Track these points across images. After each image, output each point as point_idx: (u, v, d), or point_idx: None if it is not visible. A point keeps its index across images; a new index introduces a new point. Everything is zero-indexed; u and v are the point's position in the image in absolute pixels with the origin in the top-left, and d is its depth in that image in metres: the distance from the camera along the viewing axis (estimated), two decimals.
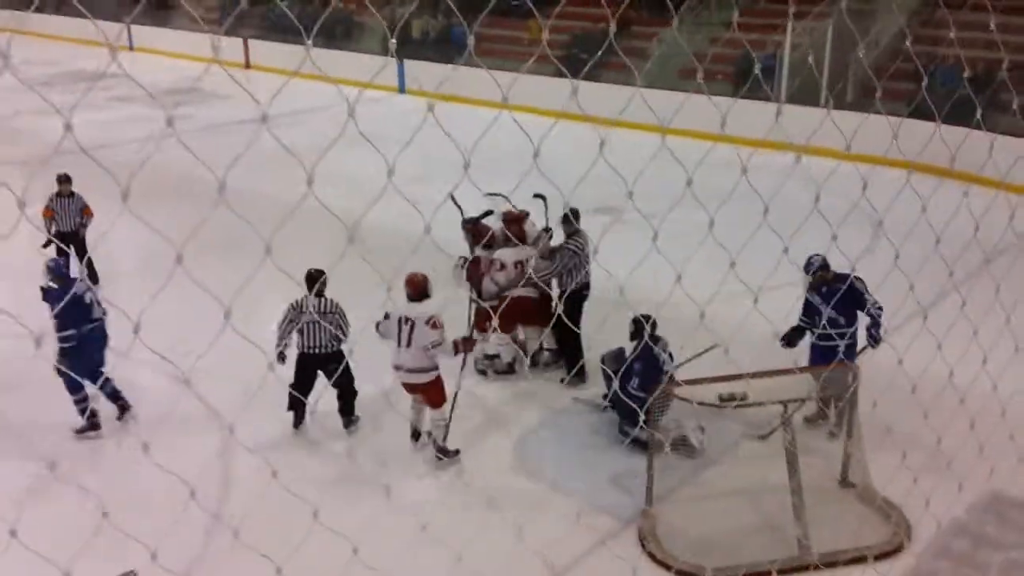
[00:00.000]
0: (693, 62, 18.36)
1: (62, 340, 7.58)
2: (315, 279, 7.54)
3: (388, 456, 7.79)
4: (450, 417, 7.76)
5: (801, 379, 6.84)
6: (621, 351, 8.05)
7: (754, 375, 5.75)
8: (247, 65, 26.66)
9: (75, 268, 9.96)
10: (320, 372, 7.87)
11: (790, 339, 7.75)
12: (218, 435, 7.72)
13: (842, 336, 7.39)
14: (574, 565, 6.41)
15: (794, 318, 7.96)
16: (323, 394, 7.89)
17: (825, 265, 7.60)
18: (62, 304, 7.41)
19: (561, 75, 16.69)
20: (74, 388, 7.87)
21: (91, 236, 11.26)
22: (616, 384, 7.68)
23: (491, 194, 8.05)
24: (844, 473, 7.28)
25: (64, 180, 10.93)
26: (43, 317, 6.90)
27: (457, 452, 7.77)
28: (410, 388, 7.67)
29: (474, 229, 9.11)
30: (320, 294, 7.79)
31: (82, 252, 11.29)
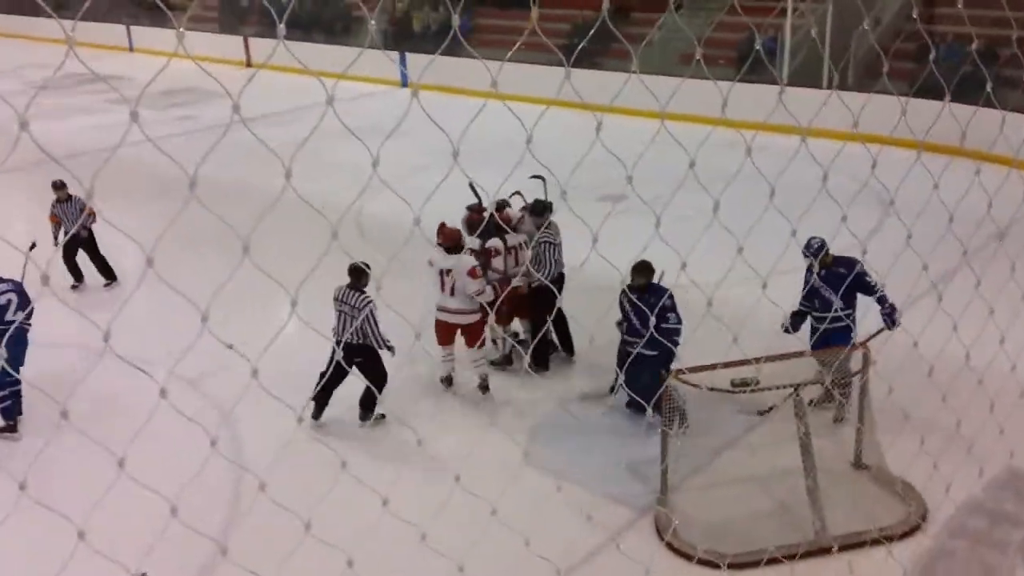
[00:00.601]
0: (693, 45, 18.21)
1: None
2: (353, 272, 7.71)
3: (385, 456, 7.70)
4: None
5: (809, 362, 6.75)
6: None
7: (765, 359, 5.66)
8: (248, 64, 26.57)
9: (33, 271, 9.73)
10: (354, 367, 7.83)
11: (792, 324, 7.66)
12: (205, 444, 7.66)
13: (838, 320, 7.32)
14: (588, 560, 6.34)
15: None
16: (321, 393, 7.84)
17: (824, 247, 7.50)
18: None
19: (561, 64, 16.54)
20: None
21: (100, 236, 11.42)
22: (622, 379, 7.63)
23: (535, 176, 8.06)
24: (858, 455, 7.20)
25: (59, 186, 11.19)
26: None
27: (486, 387, 8.57)
28: (449, 329, 8.49)
29: (497, 217, 8.94)
30: (355, 287, 7.81)
31: (94, 252, 11.43)
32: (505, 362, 9.24)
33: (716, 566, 6.19)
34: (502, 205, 9.23)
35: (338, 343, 7.82)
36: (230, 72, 23.83)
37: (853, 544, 6.14)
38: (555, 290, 8.43)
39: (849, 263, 7.49)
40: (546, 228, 8.68)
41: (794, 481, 6.56)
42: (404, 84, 23.52)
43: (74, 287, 11.47)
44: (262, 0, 27.18)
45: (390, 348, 7.82)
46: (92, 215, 11.05)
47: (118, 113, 20.18)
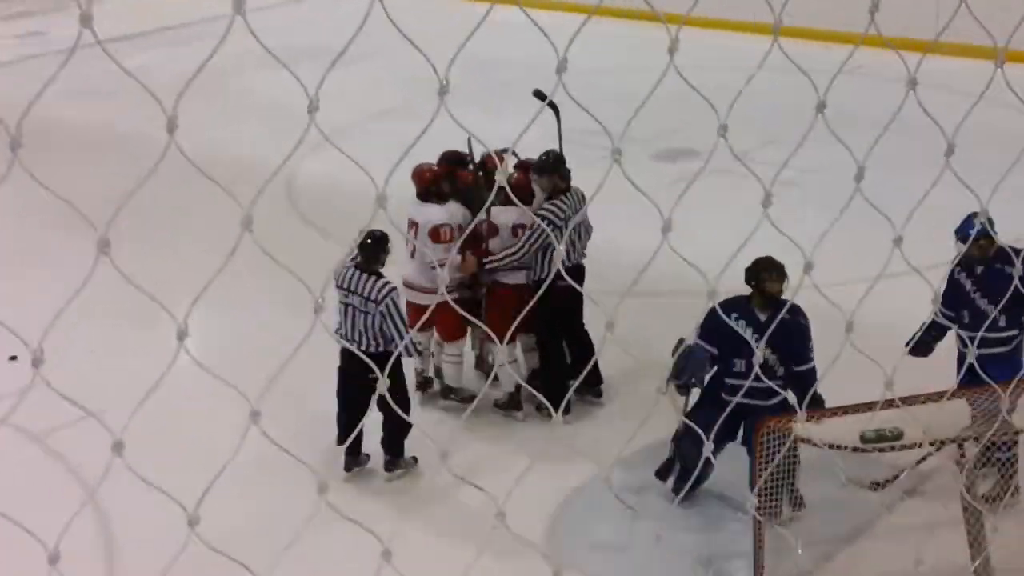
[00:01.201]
0: None
1: None
2: (369, 245, 7.77)
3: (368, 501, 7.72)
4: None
5: (959, 407, 6.66)
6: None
7: (912, 400, 5.61)
8: None
9: None
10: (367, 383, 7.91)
11: (923, 343, 7.46)
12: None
13: (1001, 343, 7.27)
14: None
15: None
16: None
17: (984, 232, 7.23)
18: None
19: None
20: None
21: None
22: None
23: (539, 95, 8.19)
24: None
25: None
26: None
27: (472, 397, 8.61)
28: (416, 310, 8.33)
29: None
30: (369, 269, 7.80)
31: None
32: (511, 405, 9.11)
33: None
34: (462, 157, 8.95)
35: (348, 350, 7.64)
36: None
37: None
38: (574, 287, 8.25)
39: (1007, 255, 7.26)
40: (559, 197, 8.58)
41: None
42: None
43: None
44: None
45: (420, 352, 7.96)
46: None
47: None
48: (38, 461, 8.26)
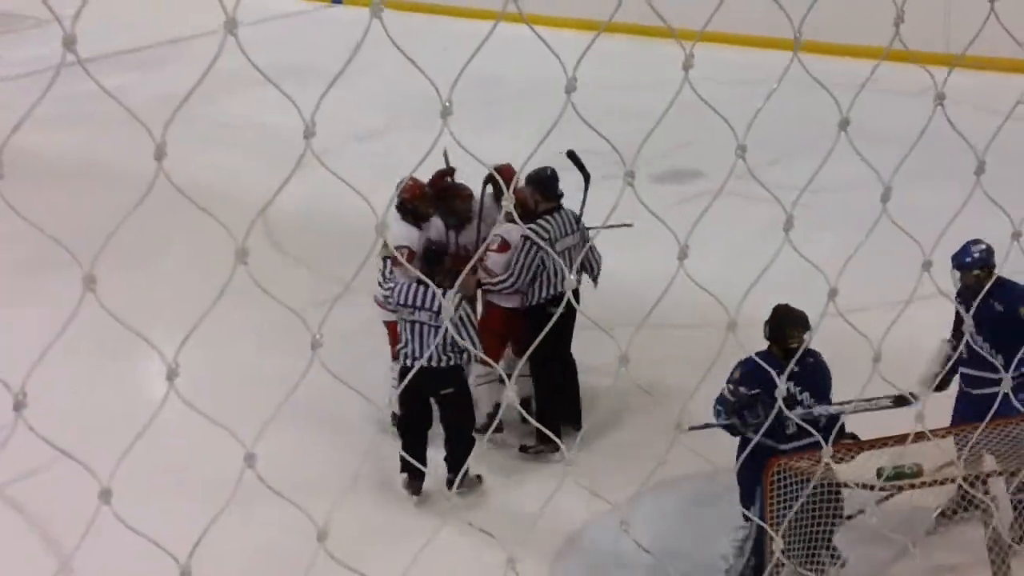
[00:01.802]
0: None
1: None
2: (432, 256, 8.10)
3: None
4: None
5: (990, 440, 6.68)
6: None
7: (930, 434, 5.57)
8: None
9: None
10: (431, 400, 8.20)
11: (945, 380, 7.42)
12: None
13: (998, 383, 7.21)
14: None
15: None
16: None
17: (982, 261, 7.20)
18: None
19: None
20: None
21: None
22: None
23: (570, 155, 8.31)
24: None
25: None
26: None
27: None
28: (392, 327, 8.62)
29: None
30: (436, 283, 7.83)
31: None
32: (491, 427, 9.05)
33: None
34: (448, 172, 9.02)
35: (412, 367, 7.79)
36: None
37: None
38: (566, 313, 8.20)
39: (1010, 293, 7.19)
40: (546, 216, 8.63)
41: None
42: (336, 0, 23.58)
43: None
44: None
45: (487, 361, 7.96)
46: None
47: None
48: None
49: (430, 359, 7.88)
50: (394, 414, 8.77)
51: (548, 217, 8.61)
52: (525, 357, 7.84)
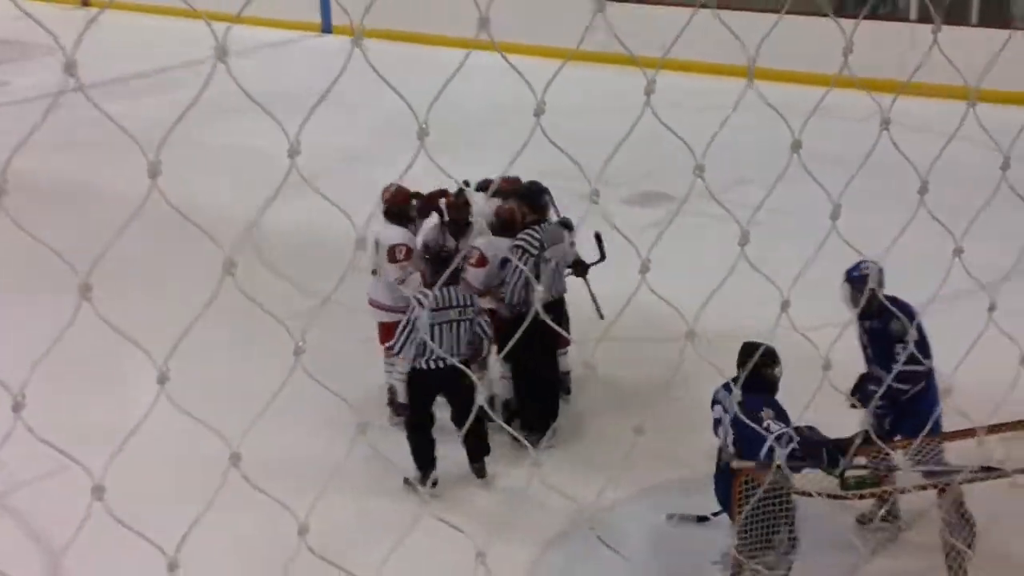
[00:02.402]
0: None
1: None
2: (451, 260, 8.41)
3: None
4: None
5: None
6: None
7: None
8: (85, 2, 26.66)
9: None
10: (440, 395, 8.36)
11: (865, 392, 7.40)
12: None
13: (899, 392, 7.28)
14: None
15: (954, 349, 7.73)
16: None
17: (866, 279, 7.04)
18: None
19: None
20: None
21: None
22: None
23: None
24: None
25: None
26: None
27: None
28: (382, 329, 8.97)
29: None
30: (456, 282, 8.33)
31: None
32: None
33: None
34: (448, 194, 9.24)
35: (423, 370, 8.24)
36: (63, 13, 23.84)
37: None
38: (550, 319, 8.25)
39: (889, 313, 7.02)
40: (532, 228, 8.84)
41: None
42: (326, 29, 23.62)
43: None
44: None
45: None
46: None
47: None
48: None
49: (454, 355, 8.10)
50: (394, 410, 9.04)
51: (535, 227, 8.78)
52: (501, 355, 8.48)
